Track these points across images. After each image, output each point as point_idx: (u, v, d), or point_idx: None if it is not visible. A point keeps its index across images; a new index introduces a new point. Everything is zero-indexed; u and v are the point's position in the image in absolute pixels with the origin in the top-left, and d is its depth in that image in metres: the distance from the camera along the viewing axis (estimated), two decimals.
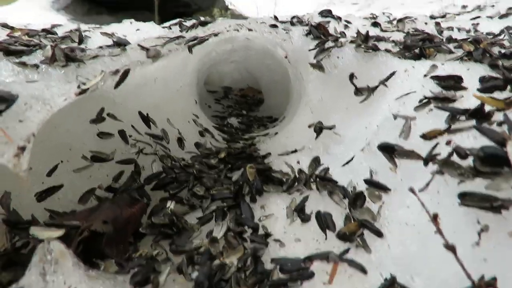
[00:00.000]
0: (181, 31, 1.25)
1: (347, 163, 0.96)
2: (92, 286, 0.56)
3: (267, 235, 0.80)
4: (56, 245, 0.55)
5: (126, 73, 0.80)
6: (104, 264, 0.64)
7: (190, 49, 1.00)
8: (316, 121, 1.12)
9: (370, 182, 0.82)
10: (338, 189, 0.87)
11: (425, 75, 0.90)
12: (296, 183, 0.97)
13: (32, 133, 0.57)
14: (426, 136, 0.77)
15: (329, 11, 1.58)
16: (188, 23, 1.48)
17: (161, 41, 1.00)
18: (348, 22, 1.55)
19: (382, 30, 1.44)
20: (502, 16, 1.59)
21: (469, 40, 1.07)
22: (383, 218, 0.76)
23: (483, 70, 0.89)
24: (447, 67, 0.90)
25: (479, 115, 0.72)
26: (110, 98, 1.11)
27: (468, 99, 0.80)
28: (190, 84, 1.56)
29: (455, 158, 0.66)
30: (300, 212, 0.85)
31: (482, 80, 0.84)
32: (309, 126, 1.15)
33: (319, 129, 1.08)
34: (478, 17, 1.69)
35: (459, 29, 1.51)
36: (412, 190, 0.65)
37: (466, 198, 0.62)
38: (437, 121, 0.79)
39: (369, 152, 0.87)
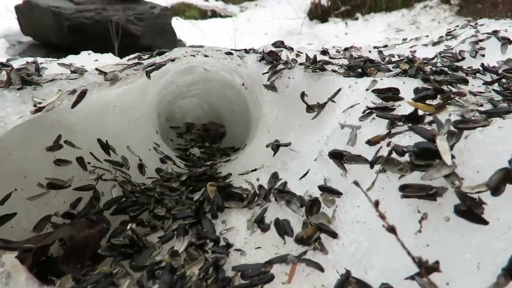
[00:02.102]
0: (139, 60, 1.29)
1: (303, 176, 1.00)
2: None
3: (228, 245, 0.81)
4: (9, 258, 0.54)
5: (83, 93, 0.82)
6: (60, 280, 0.63)
7: (148, 74, 1.04)
8: (273, 139, 1.17)
9: (323, 188, 0.86)
10: (296, 198, 0.91)
11: (367, 89, 0.98)
12: (256, 198, 1.00)
13: None
14: (370, 142, 0.84)
15: (282, 42, 1.69)
16: (146, 55, 1.53)
17: (119, 67, 1.03)
18: (300, 52, 1.66)
19: (330, 58, 1.55)
20: (435, 44, 1.77)
21: (404, 60, 1.19)
22: (338, 220, 0.80)
23: (417, 83, 0.99)
24: (385, 81, 0.99)
25: (413, 118, 0.80)
26: (68, 125, 1.11)
27: (404, 108, 0.89)
28: (150, 115, 1.58)
29: (394, 156, 0.73)
30: (260, 222, 0.87)
31: (416, 91, 0.94)
32: (267, 146, 1.19)
33: (276, 146, 1.13)
34: (415, 45, 1.87)
35: (399, 56, 1.66)
36: (356, 183, 0.70)
37: (406, 190, 0.67)
38: (379, 127, 0.86)
39: (322, 161, 0.92)
